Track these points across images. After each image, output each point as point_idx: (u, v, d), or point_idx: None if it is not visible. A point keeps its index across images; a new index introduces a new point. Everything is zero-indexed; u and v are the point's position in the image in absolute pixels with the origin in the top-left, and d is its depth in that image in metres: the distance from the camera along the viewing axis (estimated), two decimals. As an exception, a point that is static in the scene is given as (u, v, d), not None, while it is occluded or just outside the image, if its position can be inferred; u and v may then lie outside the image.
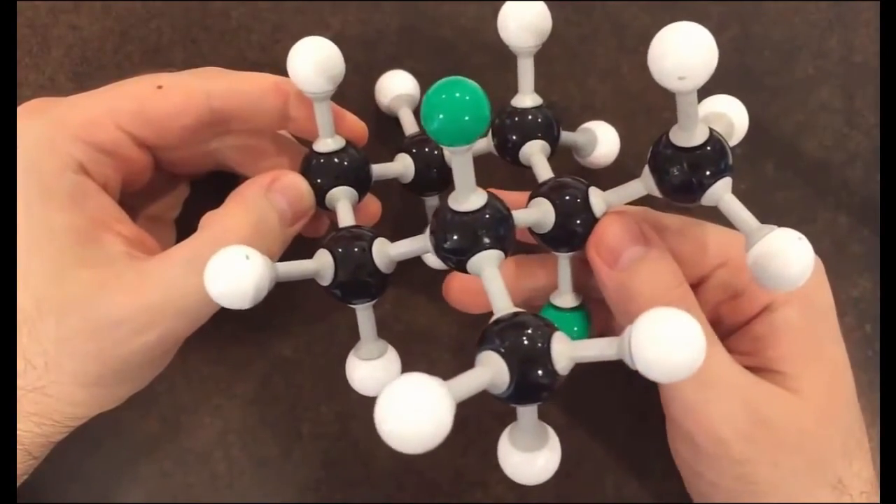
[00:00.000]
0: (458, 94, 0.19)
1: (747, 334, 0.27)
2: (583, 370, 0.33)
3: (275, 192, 0.26)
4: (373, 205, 0.31)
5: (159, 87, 0.26)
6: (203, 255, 0.24)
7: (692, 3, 0.34)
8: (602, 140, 0.31)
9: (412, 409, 0.16)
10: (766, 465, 0.25)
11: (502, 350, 0.20)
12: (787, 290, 0.22)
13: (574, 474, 0.34)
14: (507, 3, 0.26)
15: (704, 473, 0.26)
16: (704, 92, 0.34)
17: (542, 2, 0.26)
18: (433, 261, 0.30)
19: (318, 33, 0.33)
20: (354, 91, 0.33)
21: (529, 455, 0.22)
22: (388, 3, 0.34)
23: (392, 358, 0.27)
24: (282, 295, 0.29)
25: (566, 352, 0.20)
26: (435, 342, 0.34)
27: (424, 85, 0.34)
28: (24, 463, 0.27)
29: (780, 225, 0.22)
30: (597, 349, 0.20)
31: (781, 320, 0.26)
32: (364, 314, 0.26)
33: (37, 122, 0.26)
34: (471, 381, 0.19)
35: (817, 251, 0.28)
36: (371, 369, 0.26)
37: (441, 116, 0.19)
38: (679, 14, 0.34)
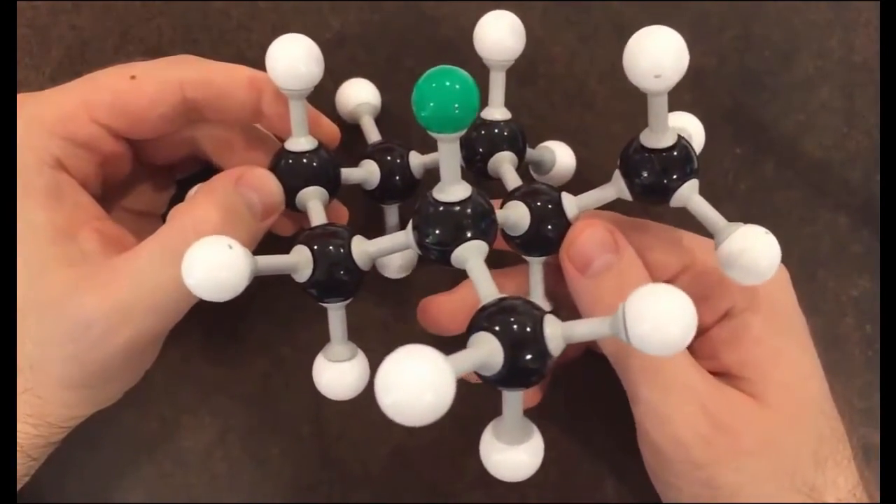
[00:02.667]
0: (448, 83, 0.20)
1: (710, 339, 0.27)
2: (584, 370, 0.33)
3: (244, 186, 0.26)
4: (340, 210, 0.31)
5: (132, 77, 0.26)
6: (172, 247, 0.24)
7: (692, 3, 0.34)
8: (560, 158, 0.31)
9: (414, 380, 0.16)
10: (727, 470, 0.25)
11: (495, 332, 0.20)
12: (756, 283, 0.23)
13: (574, 474, 0.34)
14: (484, 17, 0.27)
15: (668, 477, 0.26)
16: (707, 92, 0.34)
17: (517, 17, 0.27)
18: (390, 271, 0.30)
19: (319, 33, 0.33)
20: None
21: (514, 449, 0.22)
22: (388, 3, 0.34)
23: (361, 360, 0.26)
24: (282, 295, 0.29)
25: (558, 332, 0.20)
26: (435, 342, 0.34)
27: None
28: (24, 465, 0.27)
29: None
30: (588, 328, 0.20)
31: (741, 325, 0.26)
32: (336, 315, 0.26)
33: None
34: (467, 358, 0.19)
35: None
36: (340, 372, 0.26)
37: (432, 104, 0.20)
38: (679, 14, 0.34)
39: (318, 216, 0.26)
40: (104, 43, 0.33)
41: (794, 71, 0.34)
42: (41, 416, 0.25)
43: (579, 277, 0.25)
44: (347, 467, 0.34)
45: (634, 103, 0.34)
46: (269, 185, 0.26)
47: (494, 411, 0.23)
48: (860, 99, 0.34)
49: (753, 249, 0.23)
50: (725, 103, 0.34)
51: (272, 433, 0.34)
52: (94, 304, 0.24)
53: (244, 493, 0.34)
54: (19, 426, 0.25)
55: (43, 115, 0.26)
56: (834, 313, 0.34)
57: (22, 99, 0.26)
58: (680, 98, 0.32)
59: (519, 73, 0.29)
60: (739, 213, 0.30)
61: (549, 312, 0.27)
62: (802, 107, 0.34)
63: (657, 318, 0.18)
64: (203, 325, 0.26)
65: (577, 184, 0.32)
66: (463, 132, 0.21)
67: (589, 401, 0.34)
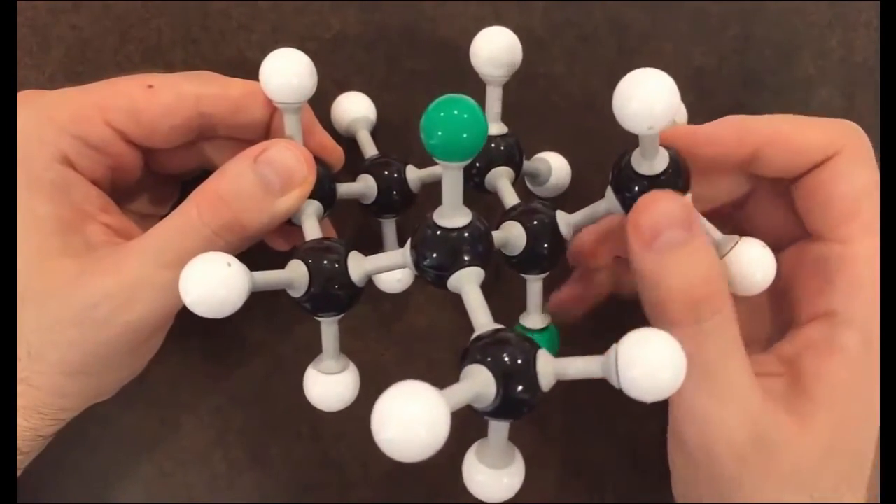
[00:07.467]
0: (456, 112, 0.20)
1: (800, 337, 0.26)
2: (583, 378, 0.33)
3: (261, 163, 0.25)
4: (328, 232, 0.31)
5: (150, 86, 0.26)
6: (181, 227, 0.25)
7: (692, 3, 0.34)
8: (556, 169, 0.32)
9: (410, 419, 0.17)
10: (748, 488, 0.24)
11: (489, 365, 0.20)
12: (751, 295, 0.24)
13: (574, 477, 0.34)
14: (480, 33, 0.27)
15: (690, 480, 0.26)
16: (707, 92, 0.34)
17: (513, 33, 0.27)
18: (387, 285, 0.30)
19: (319, 33, 0.33)
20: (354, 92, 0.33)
21: (496, 473, 0.22)
22: (388, 3, 0.34)
23: (352, 373, 0.26)
24: (282, 295, 0.29)
25: (550, 369, 0.20)
26: (435, 342, 0.34)
27: (424, 85, 0.34)
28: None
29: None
30: (580, 367, 0.20)
31: (839, 339, 0.25)
32: (329, 329, 0.26)
33: (25, 113, 0.26)
34: (462, 392, 0.19)
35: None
36: (331, 384, 0.26)
37: (440, 133, 0.20)
38: (679, 14, 0.34)
39: (312, 231, 0.26)
40: (104, 43, 0.33)
41: (794, 71, 0.34)
42: (33, 406, 0.25)
43: (644, 250, 0.23)
44: (347, 467, 0.34)
45: (634, 103, 0.34)
46: (288, 159, 0.26)
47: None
48: (860, 99, 0.34)
49: (752, 263, 0.23)
50: (725, 103, 0.34)
51: (272, 433, 0.34)
52: (102, 283, 0.24)
53: (244, 493, 0.34)
54: None
55: (57, 112, 0.26)
56: (834, 313, 0.34)
57: (37, 95, 0.27)
58: (680, 98, 0.32)
59: (519, 73, 0.29)
60: (739, 213, 0.29)
61: (542, 330, 0.28)
62: (802, 107, 0.34)
63: (648, 363, 0.19)
64: (203, 325, 0.26)
65: (578, 186, 0.32)
66: (469, 160, 0.21)
67: (589, 403, 0.34)
